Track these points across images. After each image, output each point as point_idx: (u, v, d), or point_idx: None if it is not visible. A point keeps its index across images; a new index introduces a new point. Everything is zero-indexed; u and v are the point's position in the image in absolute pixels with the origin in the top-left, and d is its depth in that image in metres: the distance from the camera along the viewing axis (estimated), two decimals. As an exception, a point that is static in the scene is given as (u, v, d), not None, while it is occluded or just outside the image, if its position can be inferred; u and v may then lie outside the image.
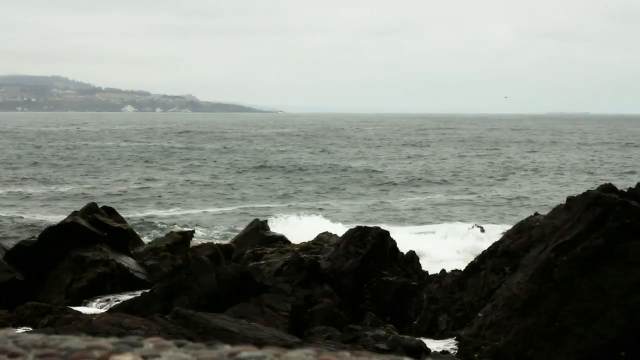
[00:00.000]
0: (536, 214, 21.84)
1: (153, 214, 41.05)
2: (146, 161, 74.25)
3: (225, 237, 32.57)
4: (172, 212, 42.55)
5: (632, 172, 64.58)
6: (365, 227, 21.39)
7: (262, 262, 23.10)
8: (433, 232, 32.63)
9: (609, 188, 19.27)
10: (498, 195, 50.23)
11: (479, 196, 49.58)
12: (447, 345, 17.85)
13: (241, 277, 18.44)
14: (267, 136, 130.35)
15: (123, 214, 29.27)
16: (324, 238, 27.89)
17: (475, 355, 17.15)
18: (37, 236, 23.91)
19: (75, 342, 2.19)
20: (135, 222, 35.15)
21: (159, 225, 36.73)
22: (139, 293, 20.09)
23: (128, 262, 23.44)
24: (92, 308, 20.25)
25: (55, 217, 34.31)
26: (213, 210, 43.40)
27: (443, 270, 20.82)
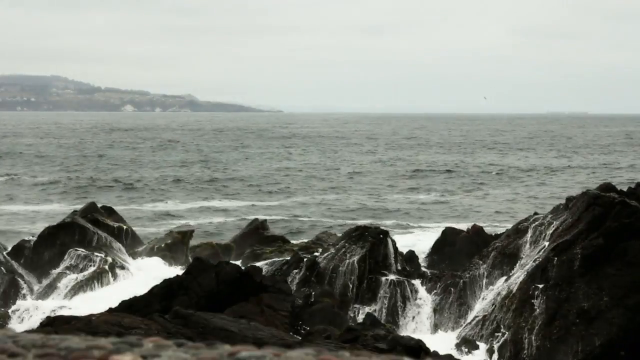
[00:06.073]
0: (536, 213, 21.84)
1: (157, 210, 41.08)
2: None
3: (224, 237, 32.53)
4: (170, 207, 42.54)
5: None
6: (365, 226, 21.36)
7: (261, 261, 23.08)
8: (432, 232, 32.60)
9: (608, 187, 19.27)
10: (497, 194, 50.20)
11: (479, 196, 49.56)
12: (447, 344, 17.86)
13: (241, 276, 18.44)
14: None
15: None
16: (323, 237, 27.87)
17: (475, 354, 17.15)
18: (36, 236, 23.91)
19: (75, 341, 2.18)
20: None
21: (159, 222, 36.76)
22: (138, 293, 20.07)
23: (127, 261, 23.43)
24: (91, 307, 20.22)
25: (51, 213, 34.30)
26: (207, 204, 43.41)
27: (443, 270, 20.81)
